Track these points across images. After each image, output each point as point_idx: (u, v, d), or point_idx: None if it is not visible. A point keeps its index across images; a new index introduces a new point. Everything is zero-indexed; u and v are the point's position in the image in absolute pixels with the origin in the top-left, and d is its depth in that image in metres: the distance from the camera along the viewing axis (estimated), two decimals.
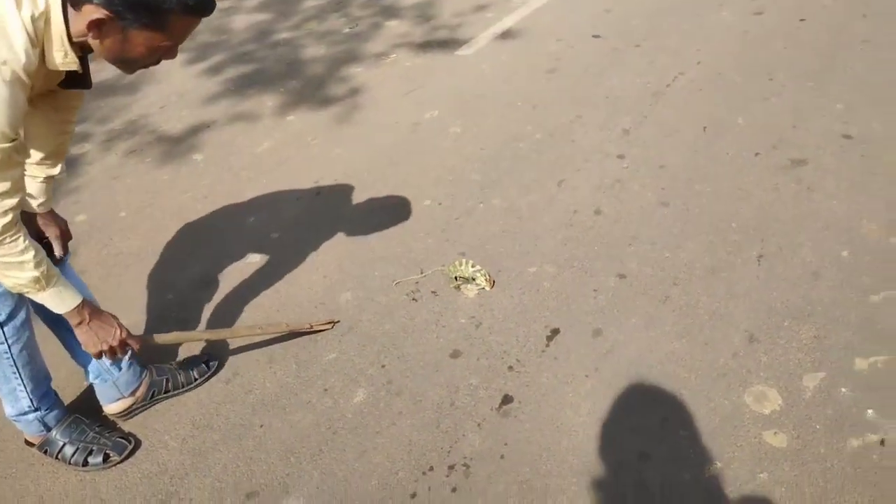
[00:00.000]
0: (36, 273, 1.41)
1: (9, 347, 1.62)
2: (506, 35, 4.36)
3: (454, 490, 1.71)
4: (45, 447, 1.81)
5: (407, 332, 2.19)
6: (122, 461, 1.82)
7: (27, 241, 1.38)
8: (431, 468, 1.76)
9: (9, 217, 1.31)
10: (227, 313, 2.32)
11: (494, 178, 2.92)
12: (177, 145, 3.44)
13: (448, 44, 4.32)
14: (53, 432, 1.80)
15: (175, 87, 4.10)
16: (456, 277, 2.35)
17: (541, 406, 1.91)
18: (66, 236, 1.79)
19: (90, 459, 1.80)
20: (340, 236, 2.65)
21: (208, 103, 3.86)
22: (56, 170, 1.68)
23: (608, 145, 3.07)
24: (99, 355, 1.62)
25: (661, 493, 1.66)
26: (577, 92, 3.57)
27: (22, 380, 1.69)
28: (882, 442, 1.73)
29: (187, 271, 2.53)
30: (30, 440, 1.84)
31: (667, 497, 1.65)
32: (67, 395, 2.01)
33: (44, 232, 1.73)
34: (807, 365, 1.95)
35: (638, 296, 2.25)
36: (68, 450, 1.79)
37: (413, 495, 1.71)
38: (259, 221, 2.78)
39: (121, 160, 3.35)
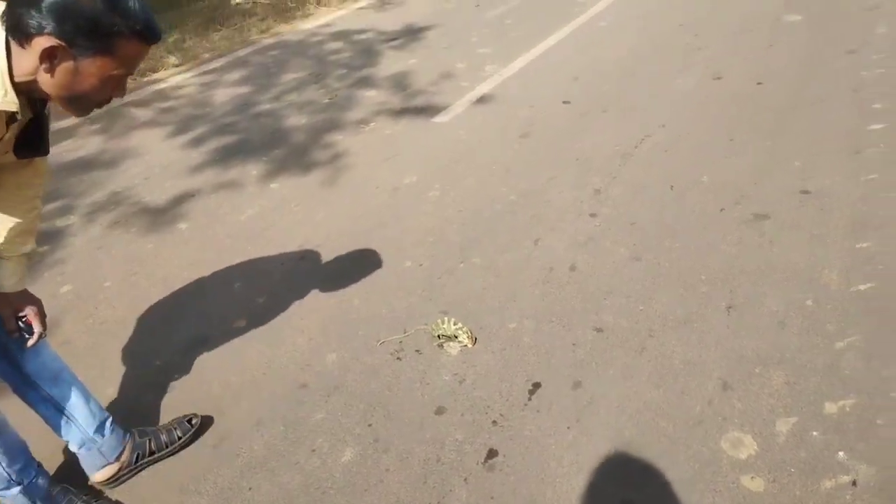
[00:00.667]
0: None
1: None
2: (480, 102, 4.55)
3: None
4: None
5: (392, 390, 2.24)
6: None
7: None
8: None
9: None
10: (214, 378, 2.35)
11: (473, 238, 3.02)
12: (161, 215, 3.51)
13: (425, 111, 4.49)
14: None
15: (159, 160, 4.19)
16: (439, 336, 2.41)
17: (525, 459, 1.95)
18: (42, 314, 1.73)
19: None
20: (324, 299, 2.71)
21: (192, 173, 3.96)
22: (28, 247, 1.67)
23: (580, 205, 3.20)
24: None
25: None
26: (550, 155, 3.72)
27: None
28: (854, 483, 1.79)
29: (174, 337, 2.57)
30: None
31: None
32: (52, 467, 2.01)
33: (20, 310, 1.67)
34: (779, 410, 2.03)
35: (615, 348, 2.33)
36: None
37: None
38: (244, 287, 2.84)
39: (105, 231, 3.41)
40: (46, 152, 1.51)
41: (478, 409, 2.13)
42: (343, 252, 3.01)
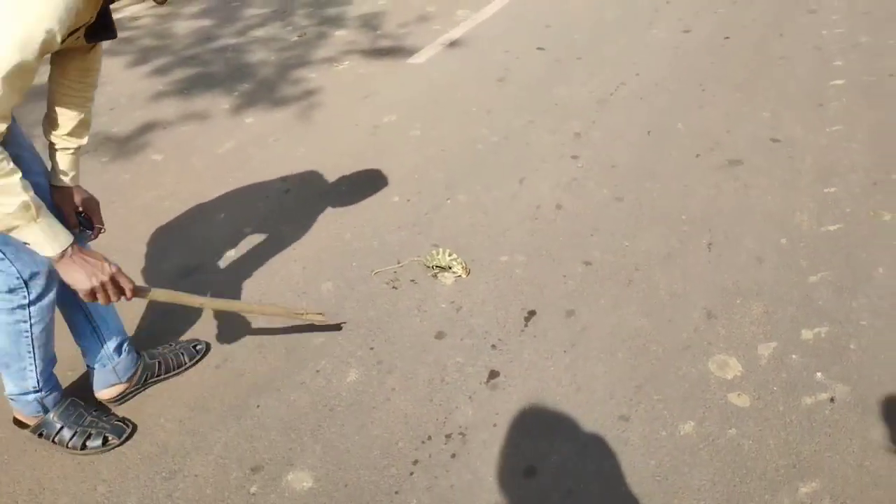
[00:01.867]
0: (25, 197, 1.29)
1: (31, 326, 1.63)
2: (454, 45, 4.52)
3: (453, 456, 1.80)
4: (40, 429, 1.79)
5: (391, 317, 2.28)
6: (120, 444, 1.82)
7: (12, 164, 1.28)
8: (430, 437, 1.86)
9: None
10: None
11: (458, 177, 3.05)
12: (132, 145, 3.41)
13: (398, 52, 4.44)
14: (51, 415, 1.78)
15: (122, 90, 4.04)
16: (433, 266, 2.45)
17: (526, 379, 2.03)
18: (99, 209, 1.74)
19: (88, 443, 1.79)
20: (314, 231, 2.71)
21: (159, 104, 3.83)
22: (84, 140, 1.66)
23: (562, 147, 3.26)
24: (92, 294, 1.46)
25: (643, 448, 1.81)
26: (527, 99, 3.76)
27: (35, 359, 1.69)
28: (832, 399, 1.94)
29: (164, 265, 2.53)
30: (23, 420, 1.81)
31: (650, 451, 1.80)
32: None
33: (80, 206, 1.69)
34: (760, 336, 2.16)
35: (604, 280, 2.42)
36: (66, 433, 1.78)
37: (415, 462, 1.79)
38: (230, 217, 2.81)
39: None
40: (115, 35, 1.50)
41: (476, 335, 2.20)
42: (328, 187, 3.00)
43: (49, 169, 1.65)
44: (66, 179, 1.65)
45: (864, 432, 1.84)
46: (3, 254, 1.51)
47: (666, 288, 2.38)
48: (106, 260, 1.49)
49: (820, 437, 1.83)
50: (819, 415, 1.90)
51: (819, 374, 2.02)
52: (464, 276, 2.43)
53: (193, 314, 2.29)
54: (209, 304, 1.99)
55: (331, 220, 2.76)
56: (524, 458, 1.80)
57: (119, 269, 1.51)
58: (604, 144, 3.28)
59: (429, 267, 2.46)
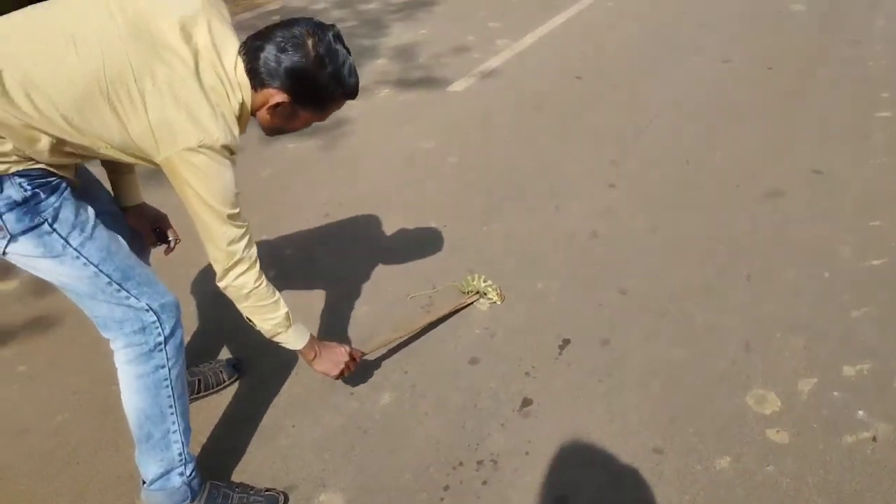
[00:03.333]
0: (286, 309, 1.62)
1: (169, 371, 1.54)
2: (492, 74, 4.58)
3: (484, 483, 1.80)
4: None
5: (425, 341, 2.29)
6: None
7: (272, 288, 1.59)
8: (461, 463, 1.86)
9: (257, 265, 1.54)
10: (250, 328, 2.38)
11: (493, 204, 3.07)
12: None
13: (437, 81, 4.51)
14: None
15: None
16: (468, 292, 2.47)
17: (559, 407, 2.03)
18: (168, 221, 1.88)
19: None
20: (352, 254, 2.75)
21: None
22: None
23: (598, 175, 3.27)
24: (339, 377, 1.80)
25: (676, 482, 1.79)
26: (564, 127, 3.78)
27: (177, 417, 1.58)
28: (874, 438, 1.89)
29: (210, 286, 2.59)
30: None
31: (684, 486, 1.77)
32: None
33: (153, 222, 1.83)
34: (800, 371, 2.12)
35: (639, 310, 2.41)
36: None
37: (446, 488, 1.79)
38: (271, 240, 2.87)
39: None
40: None
41: (510, 361, 2.20)
42: (366, 212, 3.05)
43: (112, 195, 1.74)
44: (132, 199, 1.74)
45: None
46: (126, 290, 1.47)
47: (702, 320, 2.35)
48: (338, 344, 1.81)
49: (861, 477, 1.78)
50: (860, 454, 1.85)
51: (861, 412, 1.97)
52: (498, 302, 2.44)
53: (229, 335, 2.34)
54: (402, 334, 2.23)
55: (367, 244, 2.80)
56: (556, 487, 1.79)
57: (350, 348, 1.82)
58: (640, 173, 3.28)
59: (464, 292, 2.48)
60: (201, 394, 2.05)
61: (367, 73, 4.72)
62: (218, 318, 2.42)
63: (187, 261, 2.74)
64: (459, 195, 3.16)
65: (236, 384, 2.14)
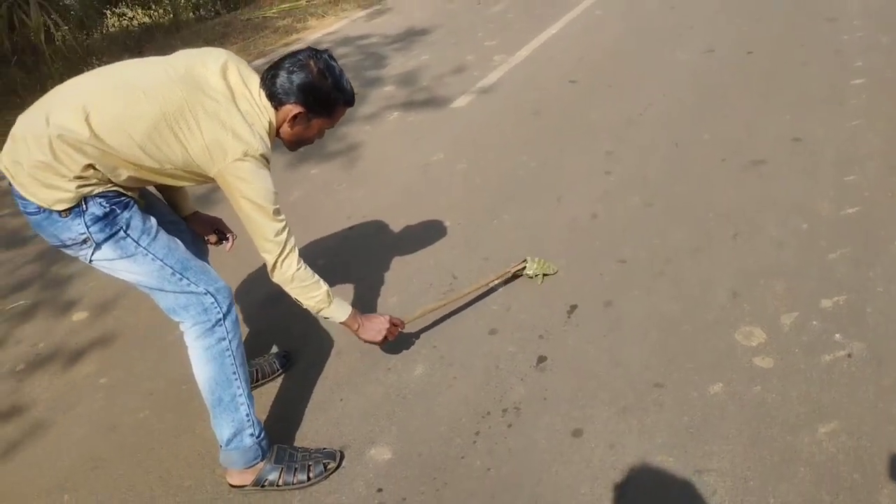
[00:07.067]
0: (326, 287, 1.96)
1: (229, 343, 1.84)
2: (493, 88, 4.91)
3: (510, 426, 2.09)
4: (262, 481, 1.93)
5: (450, 319, 2.59)
6: (337, 468, 2.01)
7: (311, 270, 1.93)
8: (488, 413, 2.15)
9: (296, 252, 1.88)
10: (293, 323, 2.70)
11: (502, 201, 3.38)
12: (214, 196, 3.89)
13: (442, 99, 4.86)
14: (265, 464, 1.94)
15: None
16: (534, 275, 2.72)
17: (571, 361, 2.31)
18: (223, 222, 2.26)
19: (311, 474, 1.96)
20: (377, 256, 3.07)
21: None
22: None
23: (595, 165, 3.56)
24: (383, 342, 2.12)
25: (676, 408, 2.05)
26: (562, 127, 4.09)
27: (241, 381, 1.87)
28: (849, 355, 2.14)
29: (252, 295, 2.93)
30: (240, 480, 1.94)
31: (683, 410, 2.04)
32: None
33: (210, 226, 2.20)
34: (782, 308, 2.38)
35: (637, 274, 2.69)
36: (288, 476, 1.94)
37: (476, 433, 2.08)
38: (304, 251, 3.19)
39: None
40: None
41: (525, 328, 2.49)
42: (386, 219, 3.37)
43: (170, 208, 2.11)
44: (186, 210, 2.12)
45: (878, 381, 2.04)
46: (187, 278, 1.81)
47: (694, 276, 2.62)
48: (378, 315, 2.13)
49: (838, 387, 2.04)
50: (837, 369, 2.10)
51: (837, 335, 2.22)
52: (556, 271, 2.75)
53: (282, 333, 2.66)
54: (445, 303, 2.53)
55: (390, 247, 3.12)
56: (571, 422, 2.07)
57: (390, 317, 2.13)
58: (634, 159, 3.57)
59: (531, 277, 2.73)
60: (260, 381, 2.37)
61: (376, 99, 5.09)
62: (268, 318, 2.75)
63: (242, 274, 3.09)
64: (470, 196, 3.47)
65: (289, 372, 2.45)
